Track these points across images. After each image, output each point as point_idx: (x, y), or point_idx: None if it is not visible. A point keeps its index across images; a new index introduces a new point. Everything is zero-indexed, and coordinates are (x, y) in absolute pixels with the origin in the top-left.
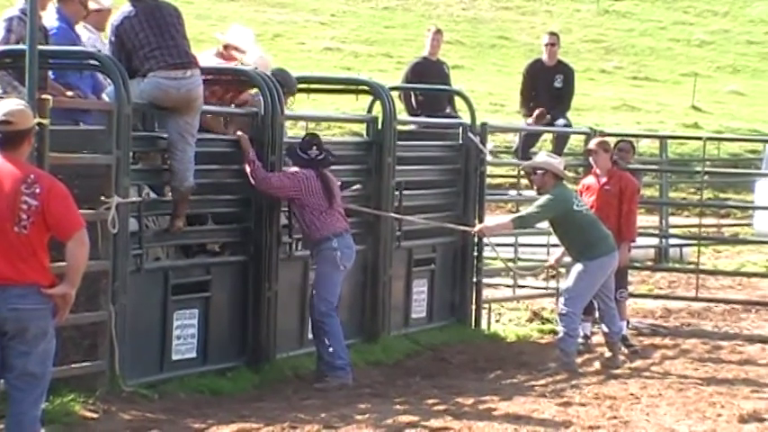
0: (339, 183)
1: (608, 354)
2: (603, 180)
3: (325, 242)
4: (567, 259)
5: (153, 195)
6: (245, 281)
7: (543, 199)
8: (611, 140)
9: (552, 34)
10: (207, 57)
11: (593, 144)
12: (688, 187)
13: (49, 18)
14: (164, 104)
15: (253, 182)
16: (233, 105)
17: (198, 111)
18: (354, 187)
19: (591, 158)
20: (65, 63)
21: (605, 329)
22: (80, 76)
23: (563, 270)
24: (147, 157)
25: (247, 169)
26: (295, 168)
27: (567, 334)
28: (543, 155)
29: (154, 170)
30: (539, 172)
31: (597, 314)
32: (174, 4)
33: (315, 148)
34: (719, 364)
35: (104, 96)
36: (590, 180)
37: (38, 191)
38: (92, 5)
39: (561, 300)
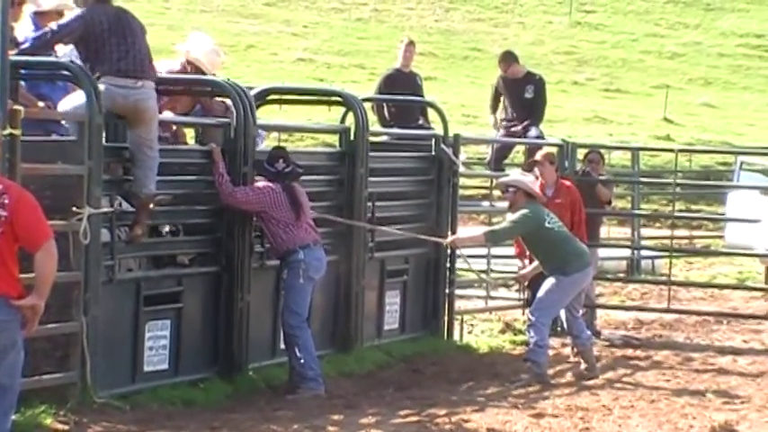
0: None
1: (583, 365)
2: (552, 193)
3: (292, 254)
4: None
5: (126, 206)
6: (217, 291)
7: (516, 215)
8: (582, 152)
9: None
10: (166, 65)
11: (539, 156)
12: (660, 199)
13: (26, 29)
14: (113, 111)
15: (220, 195)
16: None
17: (150, 123)
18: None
19: (537, 170)
20: (37, 73)
21: (575, 341)
22: (52, 86)
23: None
24: (108, 168)
25: (215, 181)
26: (263, 182)
27: (536, 344)
28: (516, 173)
29: (126, 180)
30: (510, 189)
31: (565, 325)
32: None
33: (281, 161)
34: (691, 376)
35: (60, 106)
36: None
37: (6, 201)
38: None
39: (530, 310)
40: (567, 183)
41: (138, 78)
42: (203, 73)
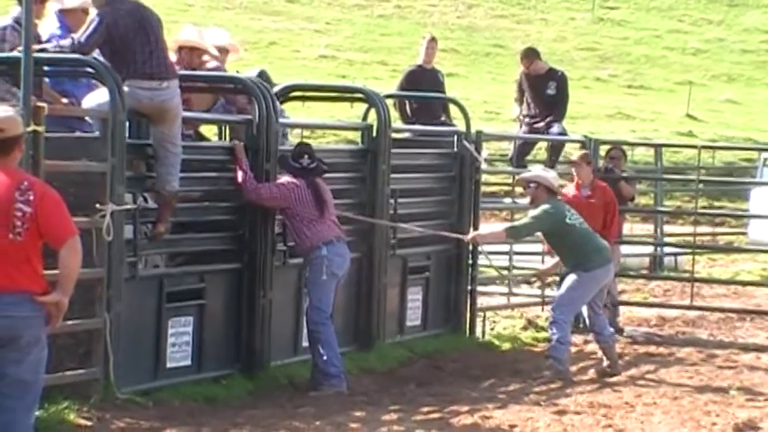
0: None
1: (606, 361)
2: (587, 192)
3: (315, 251)
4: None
5: (151, 203)
6: (239, 288)
7: (537, 211)
8: (605, 148)
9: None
10: None
11: (576, 157)
12: (683, 196)
13: (51, 26)
14: (137, 111)
15: (243, 192)
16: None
17: (173, 121)
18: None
19: (574, 170)
20: (60, 70)
21: (598, 337)
22: (76, 83)
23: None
24: (131, 165)
25: (239, 178)
26: (286, 178)
27: (558, 341)
28: (538, 168)
29: (149, 177)
30: (531, 185)
31: (587, 322)
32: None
33: (306, 156)
34: (714, 373)
35: (83, 103)
36: (571, 191)
37: (31, 197)
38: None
39: (552, 307)
40: (603, 183)
41: (164, 79)
42: (200, 54)
